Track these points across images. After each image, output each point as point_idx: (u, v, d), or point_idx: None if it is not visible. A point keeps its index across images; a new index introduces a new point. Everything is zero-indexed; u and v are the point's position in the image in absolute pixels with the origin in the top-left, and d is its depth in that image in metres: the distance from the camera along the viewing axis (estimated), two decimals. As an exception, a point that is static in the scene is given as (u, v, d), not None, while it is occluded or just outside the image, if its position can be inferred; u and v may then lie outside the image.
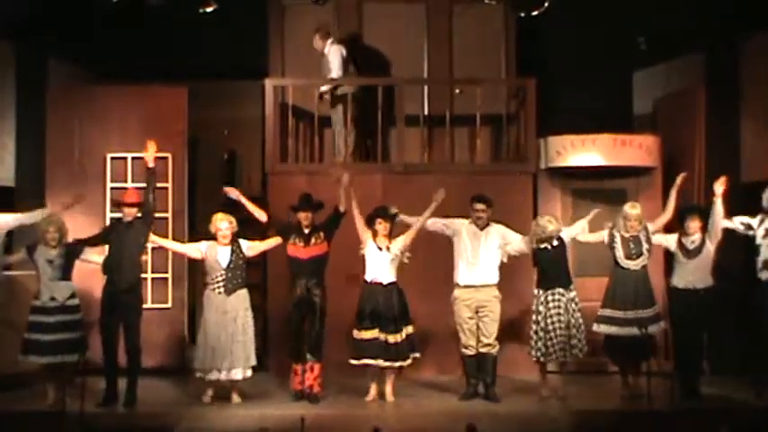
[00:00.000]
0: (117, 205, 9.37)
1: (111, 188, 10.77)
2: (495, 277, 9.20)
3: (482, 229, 9.20)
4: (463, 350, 9.18)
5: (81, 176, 10.80)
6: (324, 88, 11.09)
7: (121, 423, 8.47)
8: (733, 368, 9.81)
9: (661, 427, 8.16)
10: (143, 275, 9.54)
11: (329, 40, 11.16)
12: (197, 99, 11.07)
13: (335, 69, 11.07)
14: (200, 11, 10.47)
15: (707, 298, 9.12)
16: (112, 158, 10.85)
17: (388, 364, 8.97)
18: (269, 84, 10.98)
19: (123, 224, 9.10)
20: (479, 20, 11.63)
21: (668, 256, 9.71)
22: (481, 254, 9.16)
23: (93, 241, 9.35)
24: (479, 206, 9.19)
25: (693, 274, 9.13)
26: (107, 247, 9.14)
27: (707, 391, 9.15)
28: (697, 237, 9.16)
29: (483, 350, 9.11)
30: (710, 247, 9.16)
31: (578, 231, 9.38)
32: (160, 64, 11.42)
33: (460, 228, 9.24)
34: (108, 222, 10.57)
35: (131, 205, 9.06)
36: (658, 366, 9.24)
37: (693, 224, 9.15)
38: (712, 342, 9.37)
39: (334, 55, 11.10)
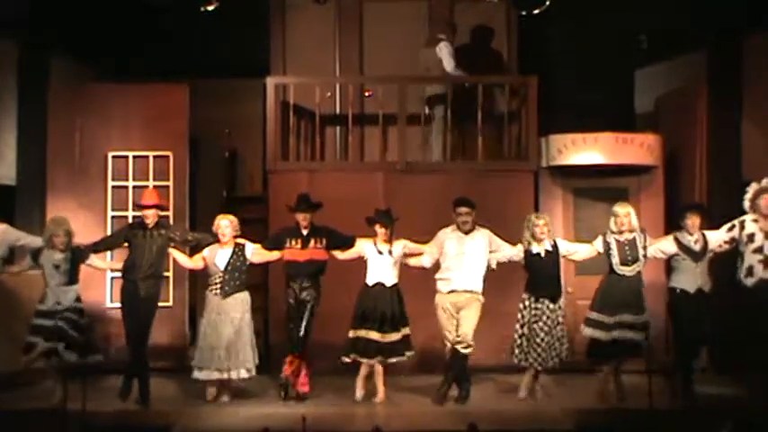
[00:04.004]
0: (138, 207, 9.30)
1: (113, 187, 10.79)
2: (479, 285, 9.00)
3: (467, 233, 9.04)
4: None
5: (82, 175, 10.82)
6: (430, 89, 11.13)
7: (122, 422, 8.48)
8: (733, 368, 9.78)
9: (661, 426, 8.14)
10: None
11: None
12: (198, 97, 11.05)
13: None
14: (202, 9, 10.47)
15: (711, 299, 9.04)
16: (114, 157, 10.85)
17: (379, 360, 8.97)
18: (270, 82, 10.95)
19: (144, 230, 9.05)
20: (481, 18, 11.61)
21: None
22: (465, 260, 8.97)
23: (101, 247, 9.36)
24: (463, 209, 9.01)
25: (702, 277, 9.02)
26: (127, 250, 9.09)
27: (707, 390, 9.14)
28: (698, 236, 9.05)
29: (456, 347, 8.96)
30: (710, 245, 9.08)
31: (572, 251, 9.25)
32: (161, 62, 11.44)
33: (444, 239, 9.08)
34: (109, 222, 10.59)
35: (149, 207, 9.05)
36: (656, 365, 9.23)
37: (694, 221, 9.03)
38: (713, 342, 9.36)
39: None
